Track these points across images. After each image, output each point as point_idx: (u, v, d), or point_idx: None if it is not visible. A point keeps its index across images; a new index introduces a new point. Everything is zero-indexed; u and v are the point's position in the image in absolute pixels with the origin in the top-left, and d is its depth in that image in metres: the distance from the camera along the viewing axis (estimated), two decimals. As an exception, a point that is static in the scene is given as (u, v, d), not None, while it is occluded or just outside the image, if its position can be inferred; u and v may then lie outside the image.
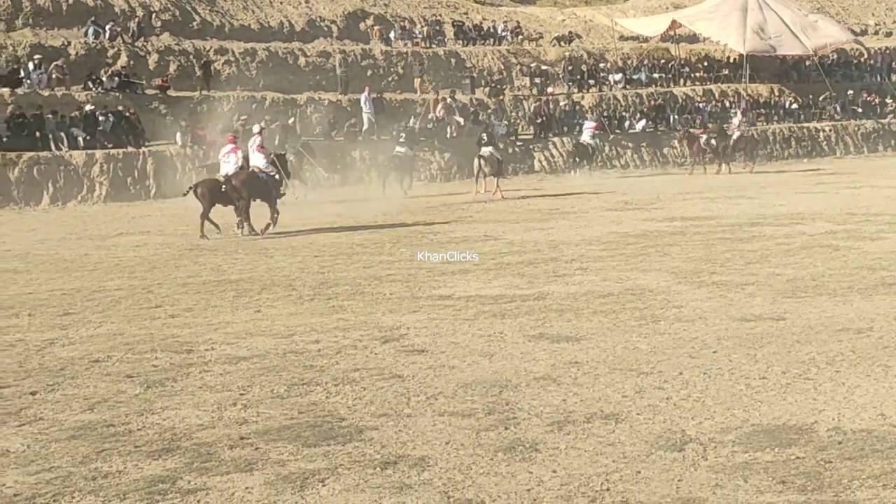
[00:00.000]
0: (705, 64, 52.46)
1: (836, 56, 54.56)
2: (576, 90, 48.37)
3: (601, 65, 50.13)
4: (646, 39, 53.14)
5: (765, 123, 49.25)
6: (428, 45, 48.08)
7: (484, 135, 36.01)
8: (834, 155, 49.22)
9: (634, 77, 49.93)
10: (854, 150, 50.12)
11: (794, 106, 50.44)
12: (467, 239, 23.73)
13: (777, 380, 11.19)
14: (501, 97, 45.87)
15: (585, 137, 42.33)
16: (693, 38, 53.27)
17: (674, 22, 51.81)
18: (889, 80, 54.00)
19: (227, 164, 25.69)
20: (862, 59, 55.38)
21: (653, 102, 48.04)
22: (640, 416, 10.00)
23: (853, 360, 11.95)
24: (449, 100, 43.49)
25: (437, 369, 11.89)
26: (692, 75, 51.65)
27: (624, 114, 46.83)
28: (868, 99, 52.06)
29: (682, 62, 51.94)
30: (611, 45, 51.95)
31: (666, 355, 12.34)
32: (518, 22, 51.84)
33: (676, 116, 47.70)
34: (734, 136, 42.53)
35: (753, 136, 43.75)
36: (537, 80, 47.39)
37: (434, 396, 10.77)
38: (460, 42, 49.45)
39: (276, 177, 26.40)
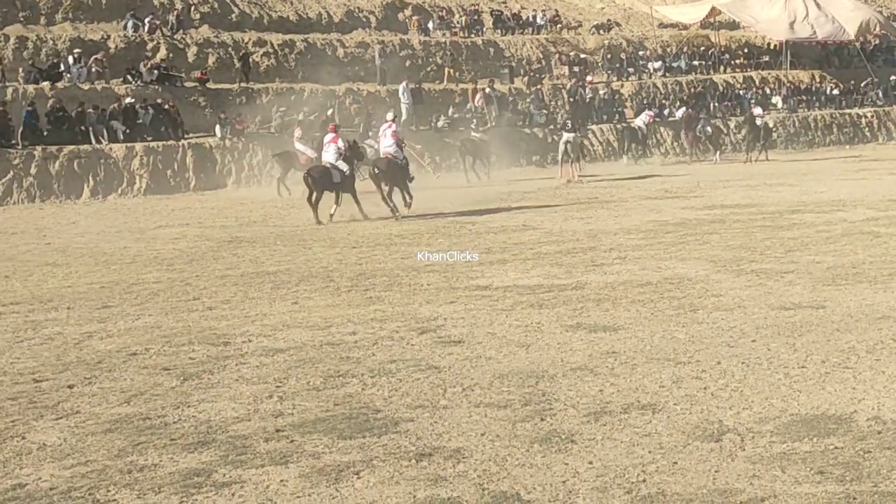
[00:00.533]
0: (745, 51, 52.17)
1: (878, 41, 54.08)
2: (615, 78, 48.19)
3: (640, 53, 49.92)
4: (685, 27, 52.87)
5: (806, 110, 48.92)
6: (466, 35, 48.00)
7: (568, 121, 37.62)
8: (876, 141, 48.83)
9: (674, 65, 49.72)
10: (897, 135, 49.75)
11: (836, 92, 50.07)
12: (505, 229, 23.69)
13: (816, 369, 11.09)
14: (540, 86, 45.74)
15: (639, 122, 42.38)
16: (733, 25, 52.91)
17: (713, 9, 51.51)
18: (932, 65, 53.56)
19: (328, 153, 26.91)
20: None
21: (693, 90, 47.80)
22: (678, 406, 9.93)
23: (894, 349, 11.83)
24: (488, 90, 43.40)
25: (474, 360, 11.85)
26: (732, 62, 51.39)
27: (664, 101, 46.63)
28: (911, 84, 51.69)
29: (722, 49, 51.66)
30: (650, 32, 51.74)
31: (704, 345, 12.26)
32: (557, 10, 51.68)
33: (717, 104, 47.47)
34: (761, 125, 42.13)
35: (767, 125, 43.21)
36: (576, 69, 47.26)
37: (470, 388, 10.73)
38: (499, 31, 49.34)
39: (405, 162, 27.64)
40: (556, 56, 48.27)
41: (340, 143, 26.88)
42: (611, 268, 17.92)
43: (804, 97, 49.68)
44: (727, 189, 31.15)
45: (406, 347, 12.52)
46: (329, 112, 38.53)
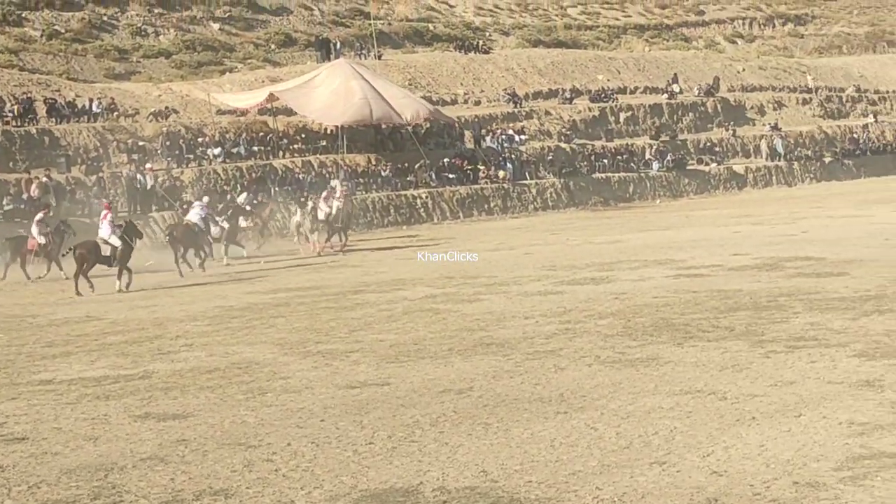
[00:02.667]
0: (303, 136, 53.12)
1: (429, 125, 56.37)
2: (175, 165, 47.95)
3: (199, 139, 49.93)
4: (244, 113, 53.36)
5: (364, 192, 50.25)
6: (20, 124, 46.54)
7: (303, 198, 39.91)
8: (431, 221, 50.75)
9: (234, 150, 49.98)
10: (451, 215, 51.82)
11: (391, 174, 51.71)
12: (69, 321, 23.06)
13: (383, 444, 11.40)
14: (100, 174, 44.92)
15: (193, 217, 36.40)
16: (291, 111, 53.85)
17: (271, 95, 52.25)
18: (479, 147, 56.26)
19: (102, 228, 29.26)
20: (454, 128, 57.48)
21: (253, 175, 48.20)
22: (250, 490, 9.96)
23: (455, 420, 12.32)
24: (44, 179, 42.23)
25: (39, 457, 11.47)
26: (291, 147, 52.16)
27: (225, 187, 46.73)
28: (461, 165, 54.03)
29: (281, 134, 52.40)
30: (208, 119, 51.86)
31: (274, 427, 12.36)
32: (113, 98, 50.97)
33: (277, 188, 48.00)
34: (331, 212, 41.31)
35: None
36: (135, 157, 46.70)
37: (36, 485, 10.38)
38: (53, 120, 48.13)
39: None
40: (114, 143, 47.59)
41: (109, 218, 29.35)
42: (178, 355, 17.77)
43: (361, 180, 51.05)
44: (290, 271, 31.55)
45: (-35, 449, 11.96)
46: None
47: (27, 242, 33.95)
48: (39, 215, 34.88)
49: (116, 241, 28.61)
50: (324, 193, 40.49)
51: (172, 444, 11.77)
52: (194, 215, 33.84)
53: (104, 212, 30.09)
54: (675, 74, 68.85)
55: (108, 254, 28.59)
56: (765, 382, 13.60)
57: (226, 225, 36.47)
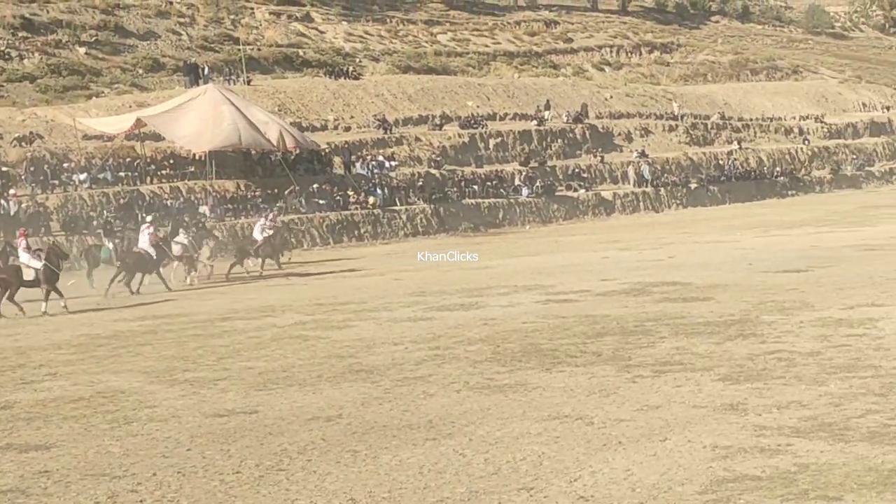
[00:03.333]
0: (172, 161, 52.55)
1: (298, 151, 56.11)
2: (39, 191, 47.10)
3: (65, 164, 49.10)
4: (111, 138, 52.60)
5: (233, 218, 49.84)
6: None
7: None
8: (301, 247, 50.47)
9: (100, 176, 49.23)
10: (321, 241, 51.58)
11: (260, 200, 51.36)
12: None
13: (251, 473, 11.30)
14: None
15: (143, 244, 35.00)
16: (159, 136, 53.23)
17: (138, 120, 51.59)
18: (349, 173, 56.19)
19: (22, 254, 29.98)
20: (324, 154, 57.33)
21: (120, 201, 47.52)
22: (114, 522, 9.79)
23: (324, 448, 12.25)
24: None
25: None
26: (159, 173, 51.55)
27: (91, 213, 46.05)
28: (331, 191, 53.88)
29: (149, 160, 51.77)
30: (74, 144, 51.03)
31: (139, 457, 12.18)
32: (-26, 123, 49.99)
33: (144, 214, 47.36)
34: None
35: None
36: (-1, 182, 45.80)
37: None
38: (-87, 144, 47.02)
39: None
40: (-23, 169, 46.60)
41: (24, 244, 30.07)
42: (41, 384, 17.43)
43: (231, 206, 50.64)
44: (155, 298, 31.09)
45: None
46: None
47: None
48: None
49: (37, 264, 29.18)
50: (261, 221, 40.21)
51: (34, 475, 11.53)
52: (144, 242, 33.73)
53: (19, 239, 31.00)
54: (548, 101, 69.52)
55: (31, 277, 29.11)
56: (631, 407, 13.76)
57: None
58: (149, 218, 37.16)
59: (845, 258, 31.06)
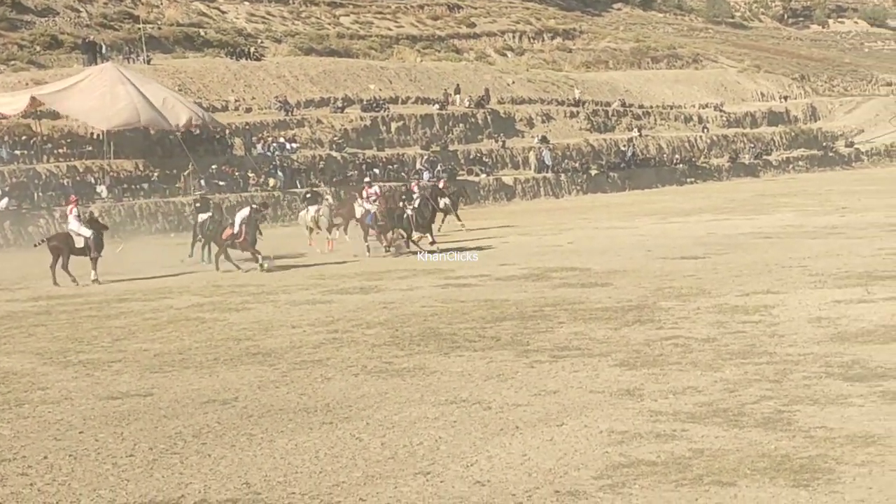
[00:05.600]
0: (69, 140, 51.77)
1: (197, 132, 55.55)
2: (-68, 168, 46.20)
3: (-46, 142, 48.22)
4: (5, 117, 51.67)
5: (131, 199, 49.24)
6: None
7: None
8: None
9: (-4, 154, 48.41)
10: (220, 223, 51.16)
11: (158, 180, 50.77)
12: None
13: (144, 456, 11.15)
14: None
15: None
16: (56, 114, 52.40)
17: (34, 99, 50.73)
18: (250, 155, 55.75)
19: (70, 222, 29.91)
20: (224, 134, 56.79)
21: (14, 180, 46.72)
22: (2, 506, 9.61)
23: (219, 432, 12.14)
24: None
25: None
26: (56, 151, 50.76)
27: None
28: (230, 173, 53.41)
29: (45, 138, 50.96)
30: (-33, 121, 50.12)
31: (30, 439, 11.97)
32: None
33: (41, 193, 46.66)
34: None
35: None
36: None
37: None
38: None
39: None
40: None
41: (75, 212, 29.91)
42: (-70, 366, 17.07)
43: (128, 185, 50.00)
44: (46, 281, 30.30)
45: None
46: None
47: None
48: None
49: (87, 232, 29.28)
50: (365, 193, 38.78)
51: (-80, 459, 11.28)
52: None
53: (71, 206, 31.01)
54: (458, 85, 69.51)
55: (81, 245, 29.16)
56: (528, 392, 13.80)
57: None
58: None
59: (742, 245, 31.44)
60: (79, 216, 30.17)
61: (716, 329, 17.97)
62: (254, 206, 33.91)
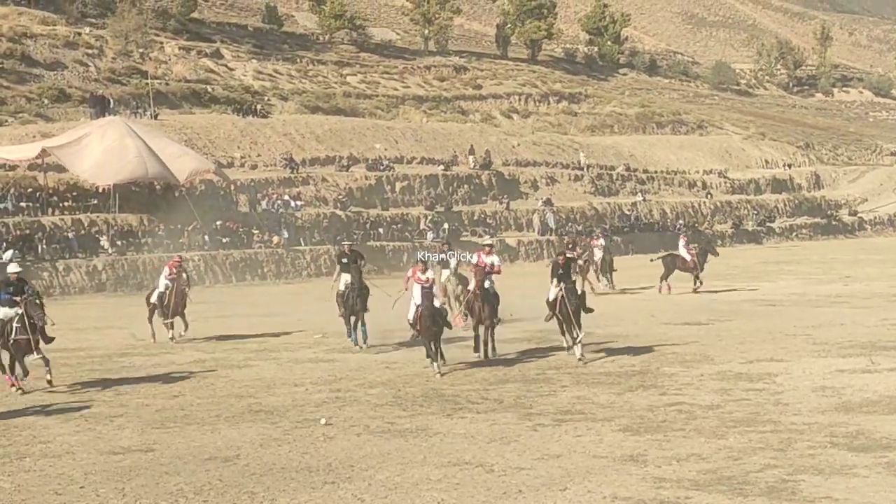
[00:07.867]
0: (74, 193, 51.87)
1: (203, 187, 55.71)
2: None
3: (-34, 193, 48.32)
4: (13, 167, 51.84)
5: (135, 253, 49.29)
6: None
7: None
8: (203, 284, 49.98)
9: (0, 206, 48.47)
10: (223, 279, 51.11)
11: (163, 235, 50.83)
12: None
13: (144, 513, 11.08)
14: None
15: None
16: (62, 167, 52.56)
17: (43, 150, 50.92)
18: (254, 211, 55.85)
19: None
20: (229, 191, 56.94)
21: (19, 232, 46.77)
22: (2, 561, 9.53)
23: (221, 489, 12.07)
24: None
25: None
26: (61, 204, 50.86)
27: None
28: (235, 229, 53.49)
29: (51, 191, 51.06)
30: (-26, 172, 50.26)
31: (31, 493, 11.91)
32: None
33: (45, 246, 46.71)
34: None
35: None
36: None
37: None
38: None
39: None
40: None
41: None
42: (-69, 417, 17.02)
43: (132, 240, 50.05)
44: (54, 333, 30.26)
45: None
46: None
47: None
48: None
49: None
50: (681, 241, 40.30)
51: (-80, 511, 11.22)
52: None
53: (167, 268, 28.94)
54: (472, 146, 69.69)
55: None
56: (532, 455, 13.73)
57: None
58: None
59: (745, 312, 31.38)
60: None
61: (720, 396, 17.90)
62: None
